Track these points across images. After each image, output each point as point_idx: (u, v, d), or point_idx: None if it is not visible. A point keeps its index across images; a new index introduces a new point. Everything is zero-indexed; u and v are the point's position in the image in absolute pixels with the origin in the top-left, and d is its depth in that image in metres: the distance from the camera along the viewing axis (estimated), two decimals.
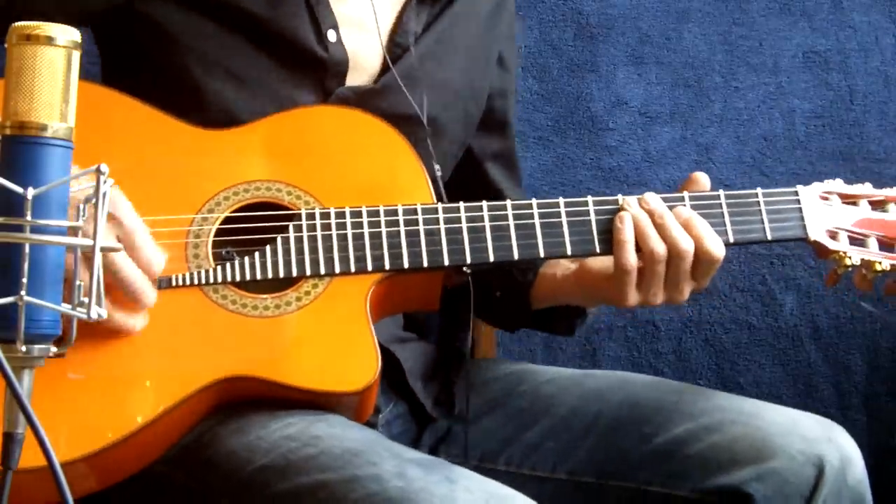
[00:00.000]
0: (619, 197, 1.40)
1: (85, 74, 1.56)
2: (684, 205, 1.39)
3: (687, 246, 1.35)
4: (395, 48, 1.50)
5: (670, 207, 1.39)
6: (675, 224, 1.36)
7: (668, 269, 1.36)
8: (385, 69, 1.49)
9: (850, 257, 1.42)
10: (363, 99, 1.46)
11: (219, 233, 1.34)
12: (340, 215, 1.34)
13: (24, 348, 0.88)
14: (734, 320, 2.39)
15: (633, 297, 1.37)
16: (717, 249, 1.37)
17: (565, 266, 1.51)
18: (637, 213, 1.37)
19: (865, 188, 1.48)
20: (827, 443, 1.39)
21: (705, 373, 2.37)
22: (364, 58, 1.49)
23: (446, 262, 1.35)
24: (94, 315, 0.91)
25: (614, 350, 2.35)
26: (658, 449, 1.43)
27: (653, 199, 1.38)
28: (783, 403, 1.49)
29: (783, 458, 1.36)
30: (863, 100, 2.45)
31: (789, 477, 1.36)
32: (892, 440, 2.41)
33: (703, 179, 1.44)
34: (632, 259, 1.36)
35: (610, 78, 2.35)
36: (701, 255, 1.36)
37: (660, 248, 1.35)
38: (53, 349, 0.91)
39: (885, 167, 2.45)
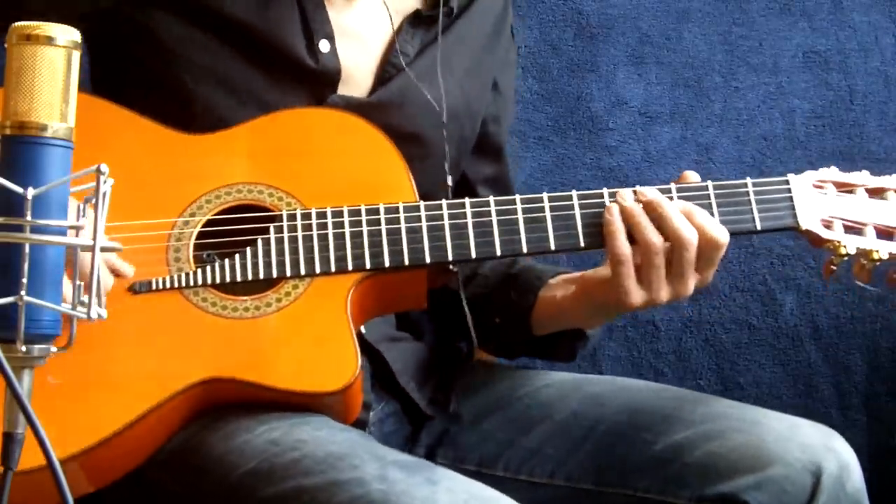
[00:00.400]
0: (604, 190, 1.38)
1: (85, 75, 1.57)
2: (673, 196, 1.38)
3: (690, 235, 1.33)
4: (390, 67, 1.50)
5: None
6: (677, 214, 1.34)
7: (673, 260, 1.34)
8: (377, 85, 1.50)
9: (845, 246, 1.39)
10: (354, 111, 1.45)
11: (201, 236, 1.34)
12: (322, 215, 1.34)
13: (24, 348, 0.88)
14: (734, 320, 2.39)
15: (635, 293, 1.34)
16: (722, 236, 1.35)
17: (566, 287, 1.49)
18: (631, 205, 1.35)
19: (862, 176, 1.45)
20: (825, 451, 1.38)
21: (705, 373, 2.37)
22: (358, 71, 1.49)
23: (428, 260, 1.35)
24: (94, 315, 0.91)
25: (614, 350, 2.35)
26: (657, 456, 1.42)
27: (650, 191, 1.37)
28: (783, 403, 1.49)
29: (781, 466, 1.36)
30: (863, 100, 2.45)
31: (787, 485, 1.35)
32: (892, 440, 2.41)
33: (692, 178, 1.42)
34: (625, 248, 1.34)
35: (610, 78, 2.35)
36: (705, 244, 1.34)
37: (656, 238, 1.33)
38: (53, 349, 0.91)
39: (885, 167, 2.43)
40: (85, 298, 0.91)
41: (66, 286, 0.95)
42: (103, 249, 0.90)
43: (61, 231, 0.90)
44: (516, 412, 1.54)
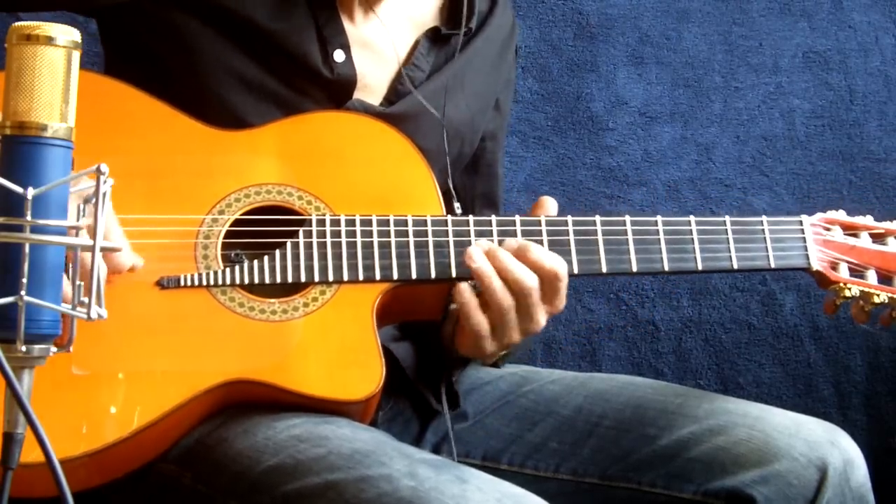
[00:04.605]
0: (626, 217, 1.41)
1: (100, 68, 1.57)
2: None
3: (531, 282, 1.33)
4: (404, 81, 1.51)
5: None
6: (514, 261, 1.33)
7: (519, 307, 1.34)
8: (392, 96, 1.51)
9: (849, 288, 1.45)
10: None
11: (228, 234, 1.34)
12: (350, 223, 1.35)
13: (24, 348, 0.88)
14: (734, 320, 2.39)
15: (489, 345, 1.36)
16: (560, 267, 1.34)
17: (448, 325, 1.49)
18: (480, 265, 1.33)
19: (867, 220, 1.51)
20: (830, 446, 1.39)
21: (705, 373, 2.38)
22: (374, 80, 1.51)
23: (454, 274, 1.36)
24: (94, 315, 0.91)
25: (614, 350, 2.35)
26: (661, 451, 1.44)
27: (501, 251, 1.34)
28: (783, 403, 1.49)
29: (786, 461, 1.37)
30: (863, 100, 2.45)
31: (792, 480, 1.36)
32: (893, 440, 2.41)
33: (550, 205, 1.42)
34: (482, 321, 1.34)
35: (610, 78, 2.35)
36: (545, 282, 1.34)
37: (507, 302, 1.32)
38: (53, 349, 0.91)
39: (885, 167, 2.45)
40: (85, 299, 0.91)
41: (67, 285, 0.95)
42: (103, 249, 0.90)
43: (61, 231, 0.90)
44: (521, 408, 1.55)
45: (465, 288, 1.34)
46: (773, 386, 2.39)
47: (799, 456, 1.37)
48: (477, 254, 1.33)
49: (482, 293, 1.34)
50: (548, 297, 1.35)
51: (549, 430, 1.51)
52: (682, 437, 1.43)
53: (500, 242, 1.36)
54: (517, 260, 1.34)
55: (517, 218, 1.39)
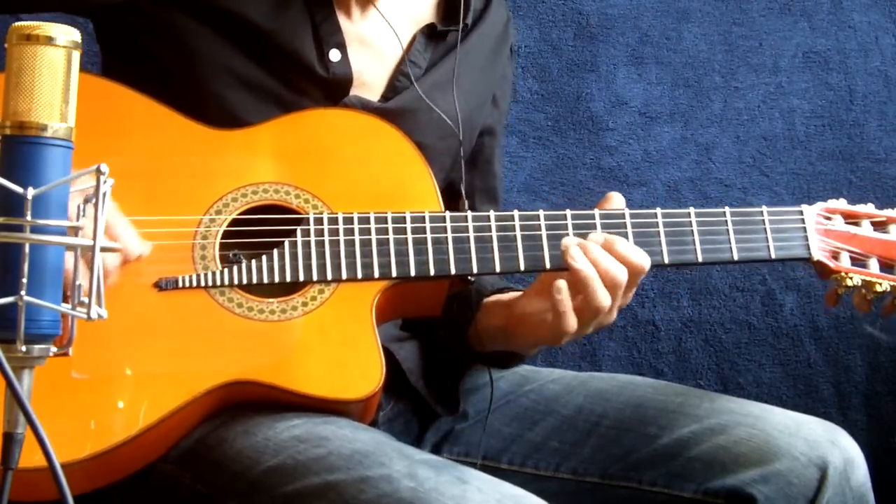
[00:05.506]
0: (626, 210, 1.40)
1: (97, 69, 1.57)
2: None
3: (622, 276, 1.33)
4: (402, 77, 1.51)
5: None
6: (606, 256, 1.34)
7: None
8: (390, 92, 1.51)
9: (851, 278, 1.44)
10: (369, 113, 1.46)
11: (226, 234, 1.34)
12: (348, 221, 1.35)
13: (24, 348, 0.88)
14: (734, 320, 2.39)
15: (569, 337, 1.37)
16: (645, 262, 1.35)
17: (494, 314, 1.49)
18: (584, 267, 1.33)
19: (868, 208, 1.50)
20: (830, 445, 1.39)
21: (705, 373, 2.38)
22: (371, 77, 1.51)
23: (453, 271, 1.36)
24: (94, 315, 0.91)
25: (614, 350, 2.35)
26: (662, 450, 1.44)
27: (594, 242, 1.35)
28: (783, 403, 1.49)
29: (787, 461, 1.37)
30: (863, 100, 2.45)
31: (793, 479, 1.37)
32: (893, 440, 2.41)
33: (617, 201, 1.43)
34: (573, 323, 1.35)
35: (610, 78, 2.35)
36: (632, 275, 1.35)
37: (606, 301, 1.33)
38: (53, 349, 0.91)
39: (885, 167, 2.45)
40: (85, 299, 0.91)
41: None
42: (103, 249, 0.90)
43: (61, 231, 0.90)
44: (522, 407, 1.55)
45: (563, 287, 1.33)
46: (773, 386, 2.39)
47: (799, 455, 1.38)
48: (578, 255, 1.33)
49: (580, 292, 1.33)
50: (626, 291, 1.36)
51: (550, 429, 1.52)
52: (682, 437, 1.43)
53: (585, 237, 1.36)
54: (609, 255, 1.34)
55: (515, 213, 1.39)
